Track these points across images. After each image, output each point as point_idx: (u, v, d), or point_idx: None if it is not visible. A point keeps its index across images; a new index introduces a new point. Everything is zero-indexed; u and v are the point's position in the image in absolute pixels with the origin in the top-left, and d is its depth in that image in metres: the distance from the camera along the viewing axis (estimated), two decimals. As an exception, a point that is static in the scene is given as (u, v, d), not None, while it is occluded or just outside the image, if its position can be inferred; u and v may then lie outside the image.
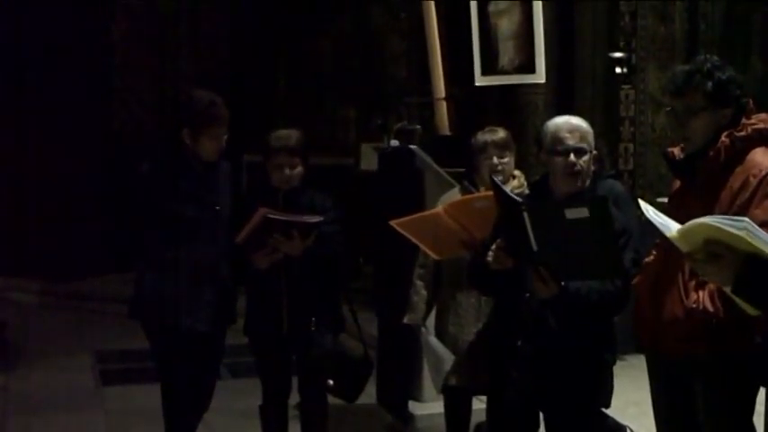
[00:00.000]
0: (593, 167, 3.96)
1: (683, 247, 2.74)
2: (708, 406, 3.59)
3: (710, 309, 3.44)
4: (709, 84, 3.54)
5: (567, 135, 3.85)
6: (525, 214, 3.46)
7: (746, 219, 2.60)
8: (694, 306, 3.48)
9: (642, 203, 3.00)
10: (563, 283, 3.58)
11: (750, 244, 2.55)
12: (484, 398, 4.84)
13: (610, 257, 3.52)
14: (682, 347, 3.56)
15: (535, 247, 3.49)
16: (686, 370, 3.62)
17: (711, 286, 3.41)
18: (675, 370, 3.66)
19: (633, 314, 3.81)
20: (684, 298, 3.52)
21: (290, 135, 4.74)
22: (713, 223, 2.59)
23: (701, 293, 3.47)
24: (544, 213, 3.55)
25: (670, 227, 2.77)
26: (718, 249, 2.62)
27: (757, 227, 2.57)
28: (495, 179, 3.96)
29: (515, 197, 3.63)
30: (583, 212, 3.40)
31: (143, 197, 4.54)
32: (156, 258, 4.50)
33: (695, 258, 2.69)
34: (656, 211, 2.89)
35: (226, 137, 4.54)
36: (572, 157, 3.81)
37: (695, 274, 3.46)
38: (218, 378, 4.83)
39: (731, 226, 2.56)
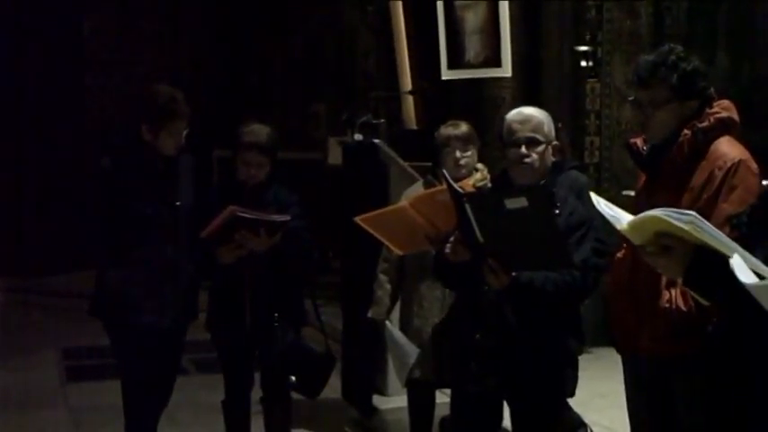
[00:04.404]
0: (552, 158, 3.96)
1: (635, 240, 2.73)
2: (686, 404, 3.55)
3: (683, 307, 3.41)
4: (675, 76, 3.50)
5: (519, 126, 3.85)
6: (467, 205, 3.46)
7: (692, 212, 2.58)
8: (667, 305, 3.45)
9: (593, 196, 2.96)
10: (514, 274, 3.58)
11: (696, 238, 2.55)
12: (448, 391, 4.85)
13: (555, 247, 3.51)
14: (658, 346, 3.54)
15: (481, 239, 3.48)
16: (663, 368, 3.58)
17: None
18: (653, 369, 3.63)
19: (607, 312, 3.79)
20: (657, 296, 3.48)
21: (261, 132, 4.70)
22: (662, 216, 2.58)
23: (672, 292, 3.44)
24: (485, 204, 3.53)
25: (621, 220, 2.75)
26: (668, 242, 2.60)
27: (704, 220, 2.55)
28: (445, 172, 3.97)
29: (458, 189, 3.61)
30: (522, 202, 3.38)
31: (103, 193, 4.51)
32: (116, 255, 4.47)
33: (647, 251, 2.68)
34: (608, 203, 2.86)
35: (186, 132, 4.50)
36: (523, 148, 3.81)
37: None
38: (178, 373, 4.81)
39: (678, 219, 2.55)
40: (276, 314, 4.64)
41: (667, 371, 3.59)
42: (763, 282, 2.39)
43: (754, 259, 2.48)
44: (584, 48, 7.88)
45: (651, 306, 3.51)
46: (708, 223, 2.55)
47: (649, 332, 3.54)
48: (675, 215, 2.56)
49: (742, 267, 2.42)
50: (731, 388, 3.06)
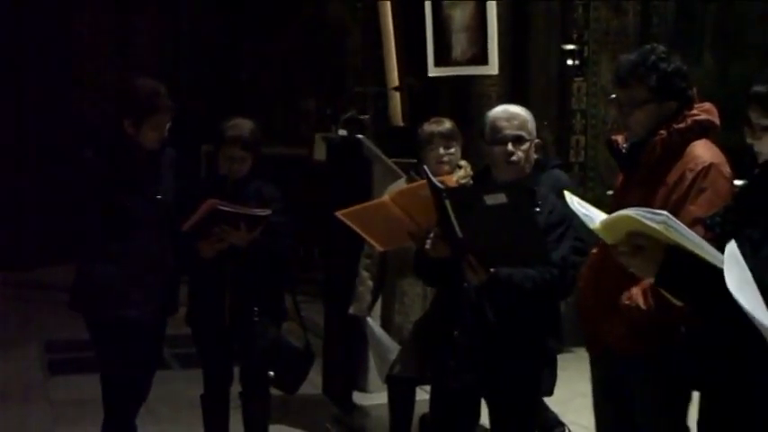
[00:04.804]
0: (535, 156, 3.96)
1: (608, 239, 2.72)
2: (642, 403, 3.56)
3: (643, 306, 3.39)
4: (654, 77, 3.48)
5: (505, 124, 3.84)
6: (447, 201, 3.46)
7: (665, 212, 2.57)
8: (628, 303, 3.44)
9: (567, 194, 2.95)
10: (492, 270, 3.57)
11: (668, 238, 2.54)
12: (429, 388, 4.84)
13: (533, 244, 3.50)
14: (619, 344, 3.54)
15: (460, 234, 3.48)
16: (624, 366, 3.58)
17: (645, 283, 3.33)
18: (614, 365, 3.63)
19: (576, 307, 3.80)
20: (620, 294, 3.47)
21: (244, 126, 4.69)
22: (634, 215, 2.57)
23: (634, 290, 3.43)
24: (464, 200, 3.53)
25: (594, 219, 2.74)
26: (640, 241, 2.59)
27: (676, 220, 2.55)
28: (425, 167, 3.97)
29: (438, 184, 3.61)
30: (501, 198, 3.38)
31: (84, 186, 4.49)
32: (97, 249, 4.45)
33: (620, 251, 2.67)
34: (581, 202, 2.84)
35: (169, 125, 4.49)
36: (510, 146, 3.80)
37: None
38: (162, 368, 4.79)
39: (650, 219, 2.55)
40: (256, 309, 4.63)
41: (625, 370, 3.59)
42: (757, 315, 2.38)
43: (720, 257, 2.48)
44: (570, 46, 7.87)
45: (614, 303, 3.49)
46: (680, 223, 2.55)
47: (609, 330, 3.54)
48: (648, 215, 2.55)
49: (735, 282, 2.41)
50: (697, 390, 3.07)
